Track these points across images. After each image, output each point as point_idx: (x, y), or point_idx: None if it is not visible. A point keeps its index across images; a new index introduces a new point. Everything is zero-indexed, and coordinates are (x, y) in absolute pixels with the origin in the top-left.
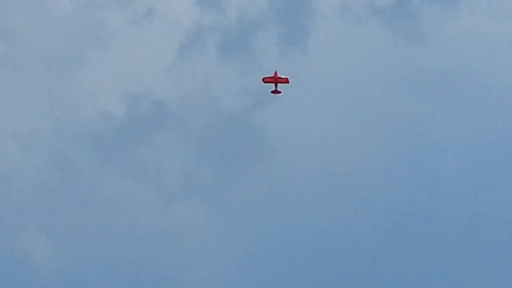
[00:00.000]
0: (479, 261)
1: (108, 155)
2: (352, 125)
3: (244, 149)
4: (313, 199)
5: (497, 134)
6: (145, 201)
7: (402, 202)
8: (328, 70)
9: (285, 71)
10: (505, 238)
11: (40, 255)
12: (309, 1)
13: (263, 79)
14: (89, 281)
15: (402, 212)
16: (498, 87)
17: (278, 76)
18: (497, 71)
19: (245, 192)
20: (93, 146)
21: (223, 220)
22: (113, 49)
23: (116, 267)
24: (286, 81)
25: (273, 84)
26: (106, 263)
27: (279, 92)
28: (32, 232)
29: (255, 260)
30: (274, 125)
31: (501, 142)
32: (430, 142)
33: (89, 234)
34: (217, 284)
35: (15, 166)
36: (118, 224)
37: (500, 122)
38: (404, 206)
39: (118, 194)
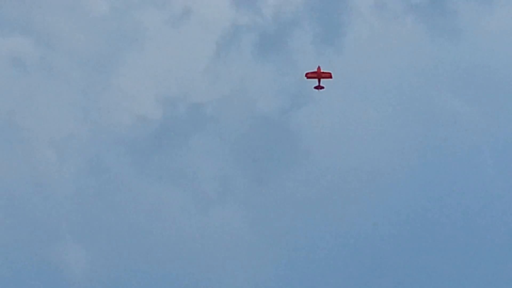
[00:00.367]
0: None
1: (144, 160)
2: (390, 125)
3: (280, 152)
4: (350, 202)
5: None
6: (181, 206)
7: (441, 203)
8: (364, 69)
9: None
10: None
11: (76, 263)
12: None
13: (306, 75)
14: None
15: (441, 214)
16: None
17: (321, 71)
18: None
19: (281, 196)
20: (129, 150)
21: (259, 225)
22: (149, 51)
23: (152, 274)
24: (329, 76)
25: (316, 80)
26: (142, 270)
27: (323, 87)
28: (68, 239)
29: (292, 265)
30: (310, 127)
31: None
32: (469, 139)
33: (125, 240)
34: None
35: (52, 172)
36: (155, 230)
37: None
38: (442, 207)
39: (154, 200)
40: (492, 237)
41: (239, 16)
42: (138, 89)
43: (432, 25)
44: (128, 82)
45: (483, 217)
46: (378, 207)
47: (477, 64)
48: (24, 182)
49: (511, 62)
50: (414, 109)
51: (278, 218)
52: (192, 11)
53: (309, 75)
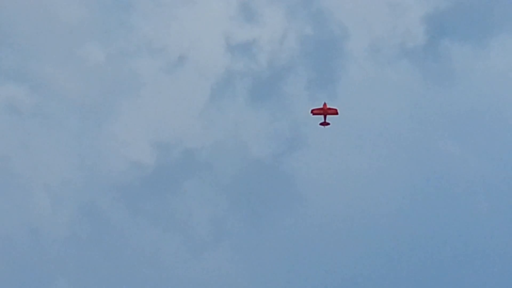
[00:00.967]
0: None
1: (138, 205)
2: (384, 169)
3: (274, 196)
4: (344, 246)
5: None
6: (175, 251)
7: (437, 244)
8: (358, 113)
9: (314, 116)
10: None
11: None
12: (339, 44)
13: (312, 111)
14: None
15: (437, 255)
16: None
17: (327, 107)
18: None
19: (275, 240)
20: (123, 196)
21: (253, 269)
22: (144, 98)
23: None
24: (335, 112)
25: (322, 116)
26: None
27: (328, 123)
28: (62, 284)
29: None
30: (304, 171)
31: None
32: (463, 183)
33: (119, 285)
34: None
35: (46, 217)
36: (148, 275)
37: None
38: (439, 248)
39: (148, 244)
40: (487, 277)
41: (233, 62)
42: (132, 135)
43: (427, 70)
44: (123, 128)
45: (479, 258)
46: (373, 251)
47: (471, 108)
48: (19, 227)
49: (506, 106)
50: (409, 153)
51: (273, 262)
52: (187, 58)
53: (315, 112)
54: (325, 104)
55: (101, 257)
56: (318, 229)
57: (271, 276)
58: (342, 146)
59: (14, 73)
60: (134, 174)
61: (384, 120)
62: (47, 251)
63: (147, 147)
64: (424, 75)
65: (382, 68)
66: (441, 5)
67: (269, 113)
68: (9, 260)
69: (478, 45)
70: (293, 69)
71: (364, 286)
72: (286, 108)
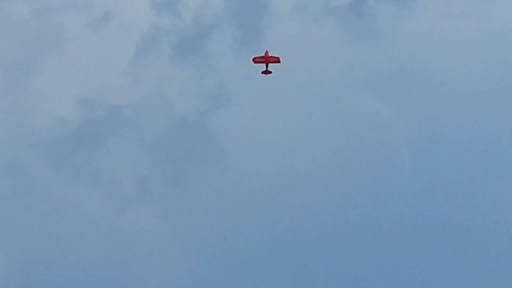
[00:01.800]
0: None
1: (61, 161)
2: (308, 126)
3: (198, 153)
4: (267, 202)
5: (453, 132)
6: (98, 207)
7: (358, 202)
8: (283, 71)
9: (239, 73)
10: (458, 240)
11: None
12: (264, 1)
13: (254, 59)
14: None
15: (356, 212)
16: (454, 85)
17: (269, 55)
18: (453, 70)
19: (198, 196)
20: (46, 152)
21: (176, 225)
22: (69, 54)
23: (70, 274)
24: (277, 60)
25: (264, 64)
26: (59, 269)
27: (270, 72)
28: None
29: (208, 264)
30: (229, 129)
31: (457, 140)
32: (387, 140)
33: (43, 240)
34: None
35: None
36: (73, 231)
37: (455, 120)
38: (359, 206)
39: (72, 201)
40: (409, 235)
41: (159, 19)
42: (57, 91)
43: (351, 28)
44: (47, 84)
45: (401, 215)
46: (294, 207)
47: (396, 66)
48: None
49: (429, 64)
50: (333, 110)
51: (196, 218)
52: (112, 14)
53: (256, 60)
54: (267, 52)
55: (25, 213)
56: (240, 185)
57: (194, 231)
58: (267, 104)
59: None
60: (58, 130)
61: (309, 78)
62: None
63: (71, 104)
64: (349, 34)
65: (307, 26)
66: None
67: (194, 70)
68: None
69: (402, 4)
70: (219, 27)
71: (283, 240)
72: (211, 65)
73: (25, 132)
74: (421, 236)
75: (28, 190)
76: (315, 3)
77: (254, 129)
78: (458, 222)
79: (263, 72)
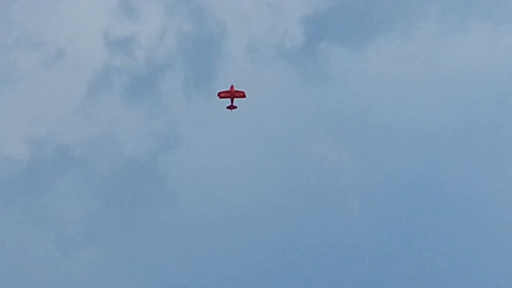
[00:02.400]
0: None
1: (8, 201)
2: (259, 167)
3: (147, 195)
4: (216, 243)
5: (402, 174)
6: (46, 248)
7: (306, 243)
8: (234, 113)
9: (192, 114)
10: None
11: None
12: (218, 42)
13: (219, 94)
14: None
15: (304, 253)
16: (404, 128)
17: (235, 90)
18: (403, 113)
19: (148, 238)
20: None
21: (125, 267)
22: (21, 92)
23: None
24: (242, 95)
25: (229, 99)
26: None
27: (235, 107)
28: None
29: None
30: (179, 170)
31: (406, 182)
32: (336, 181)
33: None
34: None
35: None
36: (19, 272)
37: (405, 163)
38: (308, 248)
39: (19, 241)
40: (356, 276)
41: (111, 58)
42: (6, 129)
43: (304, 71)
44: None
45: (348, 257)
46: (243, 248)
47: (347, 109)
48: None
49: (380, 107)
50: (284, 152)
51: (144, 260)
52: (66, 53)
53: (222, 95)
54: (232, 86)
55: None
56: (190, 227)
57: (143, 274)
58: (217, 145)
59: None
60: (6, 169)
61: (261, 119)
62: None
63: (20, 142)
64: (301, 76)
65: (259, 67)
66: (320, 8)
67: (145, 110)
68: None
69: (355, 48)
70: (171, 67)
71: (232, 281)
72: (162, 106)
73: None
74: (369, 277)
75: None
76: (268, 44)
77: (203, 170)
78: (403, 264)
79: (228, 107)
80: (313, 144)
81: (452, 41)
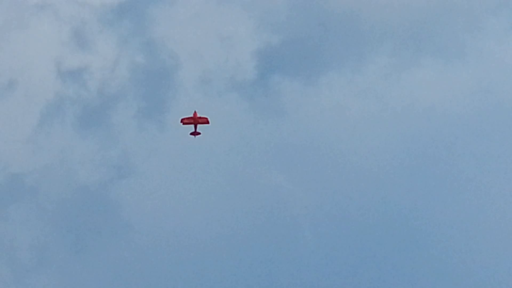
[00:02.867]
0: None
1: None
2: (211, 198)
3: (100, 224)
4: (169, 271)
5: (355, 207)
6: None
7: (262, 276)
8: (187, 145)
9: (144, 144)
10: None
11: None
12: (170, 73)
13: (182, 120)
14: None
15: (259, 278)
16: (357, 162)
17: (198, 116)
18: (356, 146)
19: (100, 268)
20: None
21: None
22: None
23: None
24: (206, 121)
25: (193, 126)
26: None
27: (199, 133)
28: None
29: None
30: (132, 199)
31: (359, 215)
32: (289, 216)
33: None
34: None
35: None
36: None
37: (358, 195)
38: (261, 275)
39: None
40: None
41: (64, 88)
42: None
43: (256, 104)
44: None
45: (301, 282)
46: (196, 276)
47: (299, 142)
48: None
49: (333, 141)
50: (237, 185)
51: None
52: (18, 82)
53: (185, 121)
54: (195, 112)
55: None
56: (143, 256)
57: None
58: (170, 175)
59: None
60: None
61: (213, 152)
62: None
63: None
64: (254, 109)
65: (212, 100)
66: (272, 42)
67: (98, 140)
68: None
69: (307, 82)
70: (123, 98)
71: None
72: (114, 136)
73: None
74: None
75: None
76: (220, 77)
77: (157, 199)
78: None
79: (191, 134)
80: (267, 175)
81: (403, 76)
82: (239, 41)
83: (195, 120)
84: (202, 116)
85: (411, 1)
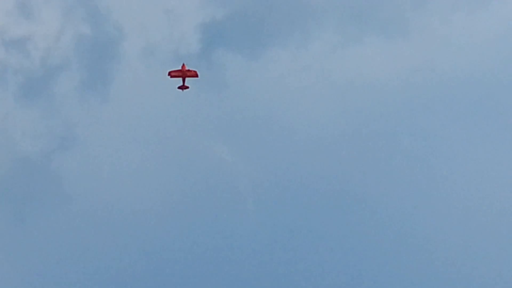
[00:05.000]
0: None
1: None
2: (154, 169)
3: (41, 194)
4: (109, 242)
5: (297, 179)
6: None
7: (203, 247)
8: (130, 115)
9: (85, 116)
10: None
11: None
12: (114, 45)
13: (169, 73)
14: None
15: (203, 250)
16: (298, 133)
17: (186, 69)
18: (297, 119)
19: (41, 237)
20: None
21: (18, 265)
22: None
23: None
24: (195, 74)
25: (181, 79)
26: None
27: (187, 87)
28: None
29: None
30: (73, 170)
31: (301, 187)
32: (232, 185)
33: None
34: None
35: None
36: None
37: (299, 166)
38: (205, 247)
39: None
40: (253, 273)
41: (7, 58)
42: None
43: (200, 77)
44: None
45: (244, 254)
46: (138, 248)
47: (243, 115)
48: None
49: (275, 114)
50: (180, 155)
51: (37, 258)
52: None
53: (172, 74)
54: (183, 65)
55: None
56: (82, 226)
57: (34, 272)
58: (113, 146)
59: None
60: None
61: (156, 123)
62: None
63: None
64: (197, 82)
65: (155, 72)
66: (216, 16)
67: (40, 111)
68: None
69: (251, 56)
70: (67, 68)
71: (130, 281)
72: (57, 107)
73: None
74: (265, 273)
75: None
76: (164, 49)
77: (99, 170)
78: (299, 265)
79: (179, 87)
80: (210, 147)
81: (347, 52)
82: (183, 14)
83: (183, 73)
84: (191, 69)
85: None
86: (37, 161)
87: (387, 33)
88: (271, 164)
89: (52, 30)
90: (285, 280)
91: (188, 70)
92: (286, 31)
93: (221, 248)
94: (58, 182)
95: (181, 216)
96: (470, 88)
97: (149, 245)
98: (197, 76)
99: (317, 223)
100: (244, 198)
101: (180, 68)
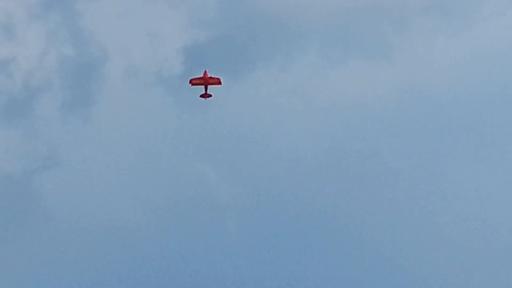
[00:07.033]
0: None
1: None
2: (135, 189)
3: (22, 213)
4: (89, 261)
5: (279, 200)
6: None
7: (184, 267)
8: (112, 135)
9: (67, 137)
10: None
11: None
12: (97, 67)
13: (191, 81)
14: None
15: (184, 267)
16: (280, 153)
17: (209, 76)
18: (280, 139)
19: (21, 256)
20: None
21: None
22: None
23: None
24: (218, 82)
25: (203, 87)
26: None
27: (210, 95)
28: None
29: None
30: (54, 190)
31: (283, 208)
32: (213, 207)
33: None
34: None
35: None
36: None
37: (282, 189)
38: (186, 264)
39: None
40: None
41: None
42: None
43: (181, 99)
44: None
45: (224, 271)
46: (119, 266)
47: (225, 137)
48: None
49: (258, 134)
50: (161, 174)
51: (17, 278)
52: None
53: (194, 82)
54: (205, 72)
55: None
56: (66, 246)
57: None
58: (95, 167)
59: None
60: None
61: (139, 144)
62: None
63: None
64: (179, 104)
65: (137, 93)
66: (199, 38)
67: (22, 131)
68: None
69: (234, 78)
70: (49, 89)
71: None
72: (39, 128)
73: None
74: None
75: None
76: (147, 71)
77: (80, 190)
78: (280, 284)
79: (202, 96)
80: (193, 167)
81: (330, 75)
82: (166, 37)
83: (205, 81)
84: (214, 76)
85: (339, 1)
86: (18, 181)
87: (370, 56)
88: (253, 184)
89: (35, 52)
90: None
91: (211, 78)
92: (269, 53)
93: (202, 267)
94: (40, 201)
95: (163, 234)
96: (452, 109)
97: (131, 263)
98: (220, 83)
99: (299, 243)
100: (226, 217)
101: (202, 75)
